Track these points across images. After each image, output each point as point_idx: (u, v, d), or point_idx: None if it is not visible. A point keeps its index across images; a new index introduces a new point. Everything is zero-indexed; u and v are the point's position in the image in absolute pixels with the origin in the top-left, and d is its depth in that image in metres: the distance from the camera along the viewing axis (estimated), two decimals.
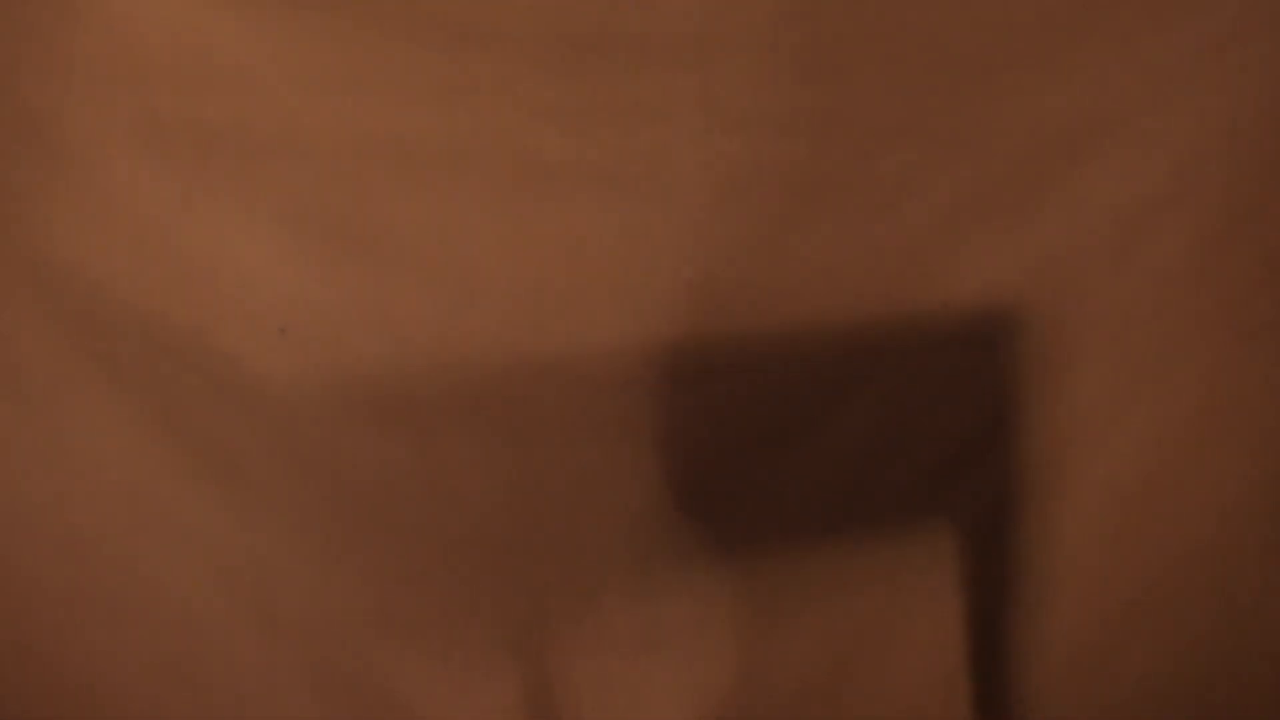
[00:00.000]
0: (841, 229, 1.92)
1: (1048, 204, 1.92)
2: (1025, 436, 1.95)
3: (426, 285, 1.89)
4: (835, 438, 1.94)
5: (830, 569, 1.97)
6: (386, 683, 1.95)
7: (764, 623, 1.98)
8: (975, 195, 1.92)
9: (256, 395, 1.88)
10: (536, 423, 1.92)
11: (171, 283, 1.86)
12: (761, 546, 1.96)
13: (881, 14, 1.88)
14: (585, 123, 1.88)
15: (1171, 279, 1.93)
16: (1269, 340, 1.95)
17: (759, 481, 1.94)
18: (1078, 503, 1.96)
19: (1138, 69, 1.90)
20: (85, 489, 1.89)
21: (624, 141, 1.89)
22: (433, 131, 1.87)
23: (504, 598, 1.95)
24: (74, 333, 1.86)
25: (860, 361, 1.93)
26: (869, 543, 1.97)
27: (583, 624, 1.96)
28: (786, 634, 1.98)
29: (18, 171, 1.82)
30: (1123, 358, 1.94)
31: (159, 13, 1.81)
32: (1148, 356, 1.94)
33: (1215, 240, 1.92)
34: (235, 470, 1.89)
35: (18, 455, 1.88)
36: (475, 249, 1.89)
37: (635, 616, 1.97)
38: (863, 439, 1.94)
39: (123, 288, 1.86)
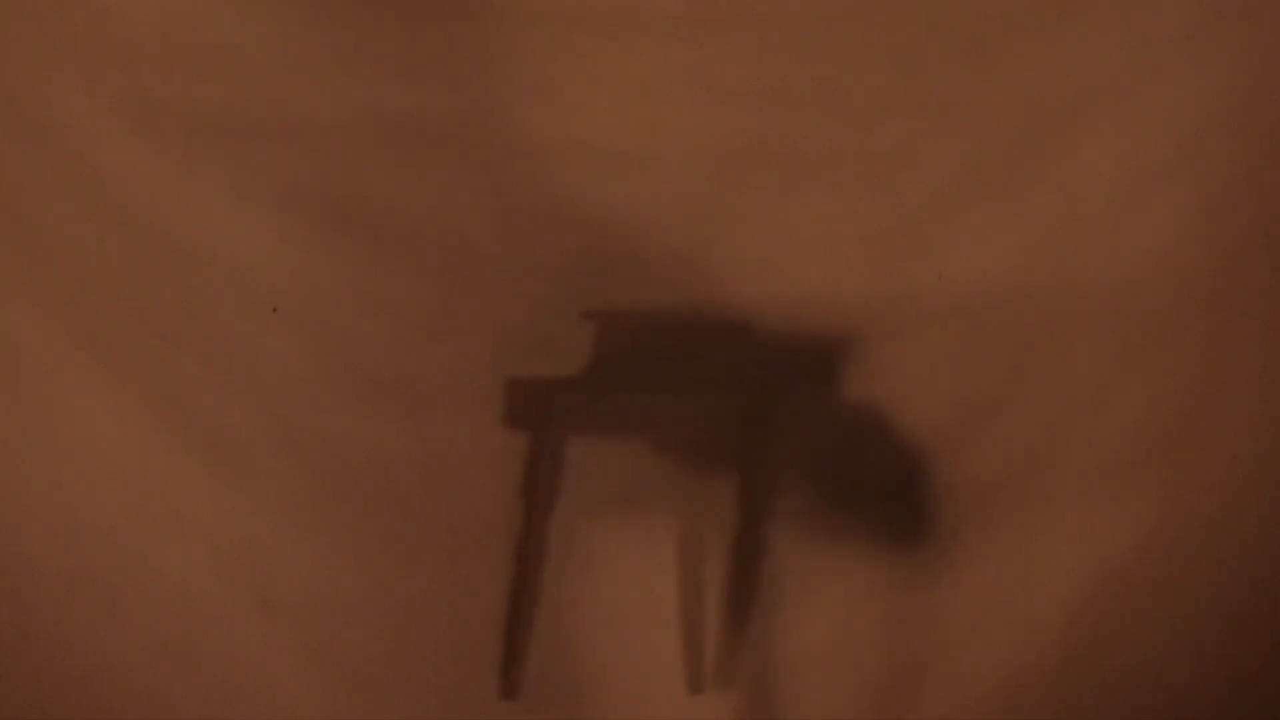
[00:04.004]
0: (836, 202, 1.91)
1: (1044, 176, 1.91)
2: (1021, 410, 1.95)
3: (419, 264, 1.88)
4: (829, 411, 1.93)
5: (823, 541, 1.97)
6: (384, 664, 1.95)
7: (759, 599, 1.97)
8: (971, 167, 1.91)
9: (250, 377, 1.88)
10: (531, 402, 1.91)
11: (163, 264, 1.86)
12: (752, 522, 1.96)
13: None
14: (578, 98, 1.87)
15: (1168, 251, 1.92)
16: (1265, 312, 1.94)
17: (751, 456, 1.94)
18: (1074, 476, 1.95)
19: (1135, 41, 1.89)
20: (81, 473, 1.89)
21: (617, 116, 1.88)
22: (424, 110, 1.86)
23: (500, 578, 1.95)
24: (68, 317, 1.86)
25: (854, 335, 1.92)
26: (861, 515, 1.97)
27: (581, 603, 1.96)
28: (781, 609, 1.98)
29: (6, 154, 1.81)
30: (1119, 329, 1.93)
31: None
32: (1144, 328, 1.93)
33: (1212, 212, 1.91)
34: (231, 453, 1.89)
35: (14, 440, 1.88)
36: (467, 227, 1.88)
37: (633, 595, 1.97)
38: (857, 412, 1.94)
39: (115, 270, 1.85)
